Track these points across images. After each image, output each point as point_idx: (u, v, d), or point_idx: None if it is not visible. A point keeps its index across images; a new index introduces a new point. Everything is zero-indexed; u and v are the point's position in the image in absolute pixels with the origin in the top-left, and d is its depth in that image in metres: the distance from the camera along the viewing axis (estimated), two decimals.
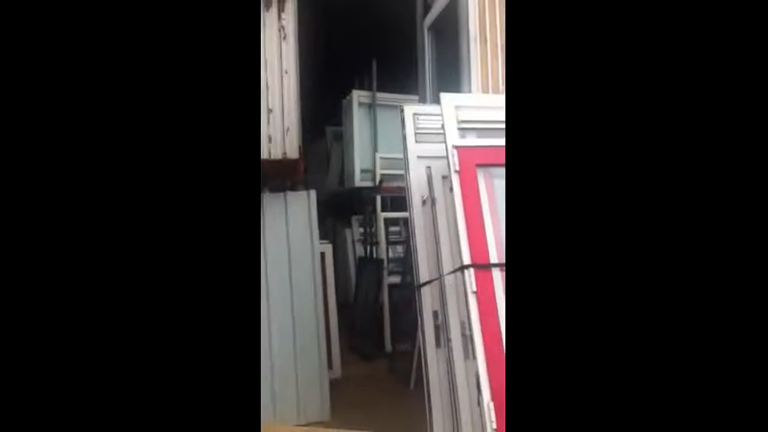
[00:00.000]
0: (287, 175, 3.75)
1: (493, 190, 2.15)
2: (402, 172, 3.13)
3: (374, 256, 5.22)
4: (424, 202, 2.77)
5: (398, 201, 5.06)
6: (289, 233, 3.39)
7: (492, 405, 1.81)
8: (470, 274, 2.00)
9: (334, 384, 3.46)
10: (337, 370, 3.93)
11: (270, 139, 3.23)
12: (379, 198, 5.27)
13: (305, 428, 2.21)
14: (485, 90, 3.43)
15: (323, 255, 3.87)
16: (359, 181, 5.57)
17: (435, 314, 2.60)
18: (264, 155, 3.20)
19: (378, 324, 4.81)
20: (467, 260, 2.03)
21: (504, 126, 1.38)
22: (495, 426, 1.78)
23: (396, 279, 4.89)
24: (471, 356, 2.12)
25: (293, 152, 3.30)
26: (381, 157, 5.42)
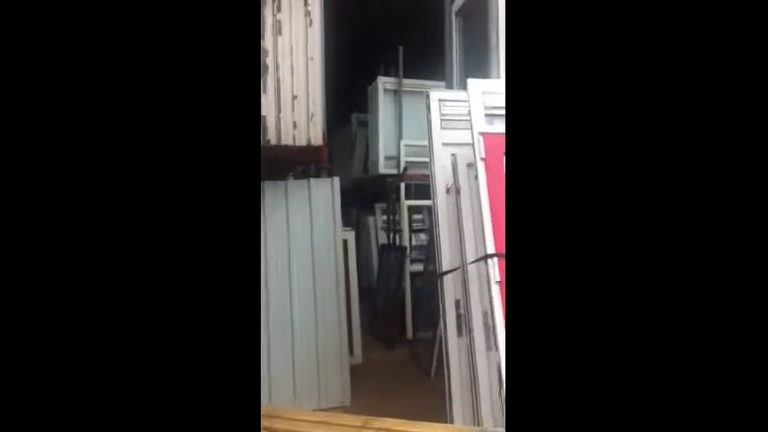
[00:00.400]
0: (311, 162, 3.76)
1: None
2: (427, 159, 3.10)
3: (397, 243, 5.21)
4: (448, 190, 2.74)
5: (422, 188, 5.02)
6: (312, 220, 3.40)
7: None
8: (494, 264, 1.97)
9: (354, 370, 3.48)
10: (358, 356, 3.95)
11: (294, 126, 3.23)
12: (402, 185, 5.24)
13: (325, 413, 2.22)
14: None
15: (345, 242, 3.87)
16: (383, 168, 5.55)
17: (457, 303, 2.58)
18: (289, 141, 3.20)
19: (399, 311, 4.81)
20: (491, 249, 2.01)
21: None
22: None
23: (418, 267, 4.88)
24: (493, 347, 2.10)
25: (317, 139, 3.29)
26: (406, 144, 5.39)
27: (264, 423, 1.94)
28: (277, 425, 1.93)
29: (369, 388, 3.45)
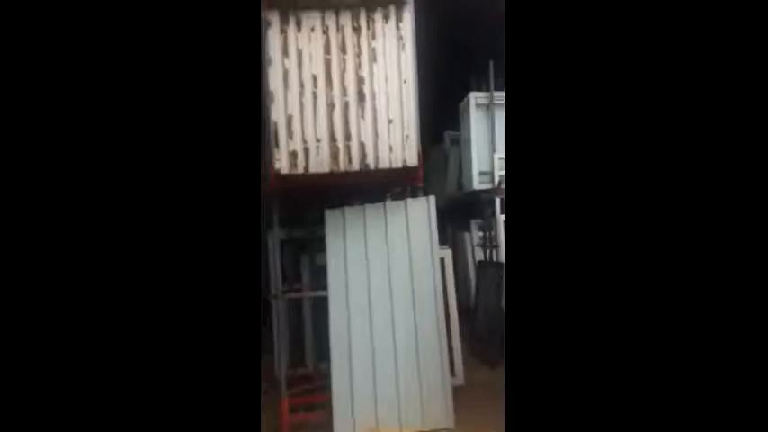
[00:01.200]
0: (407, 183, 3.81)
1: None
2: None
3: (494, 259, 5.12)
4: None
5: None
6: (410, 240, 3.45)
7: None
8: None
9: (457, 391, 3.46)
10: (460, 376, 3.91)
11: (391, 149, 3.30)
12: (498, 200, 5.16)
13: None
14: None
15: (443, 260, 3.87)
16: (477, 184, 5.50)
17: None
18: (386, 164, 3.29)
19: (500, 330, 4.71)
20: None
21: None
22: None
23: None
24: None
25: (412, 159, 3.35)
26: (500, 158, 5.30)
27: None
28: None
29: (472, 410, 3.40)
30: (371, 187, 3.91)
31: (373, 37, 3.30)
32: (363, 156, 3.22)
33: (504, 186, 5.09)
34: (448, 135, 6.71)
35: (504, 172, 5.17)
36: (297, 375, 4.04)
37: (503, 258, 4.99)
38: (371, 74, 3.28)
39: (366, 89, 3.27)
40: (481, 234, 5.86)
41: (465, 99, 5.75)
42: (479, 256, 5.94)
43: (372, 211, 3.48)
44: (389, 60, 3.33)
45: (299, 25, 3.15)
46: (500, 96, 5.51)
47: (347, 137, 3.21)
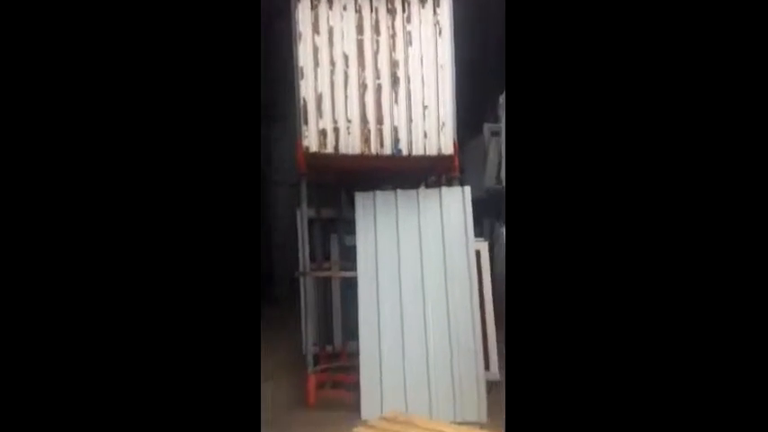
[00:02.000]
0: (442, 171, 3.73)
1: None
2: None
3: None
4: None
5: None
6: (444, 229, 3.35)
7: None
8: None
9: (492, 386, 3.33)
10: (495, 371, 3.78)
11: (425, 135, 3.23)
12: None
13: (461, 427, 2.13)
14: None
15: (478, 252, 3.75)
16: None
17: None
18: (420, 151, 3.22)
19: None
20: None
21: None
22: None
23: None
24: None
25: (448, 148, 3.27)
26: None
27: (397, 428, 1.91)
28: None
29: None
30: (405, 174, 3.84)
31: (408, 20, 3.24)
32: (396, 140, 3.16)
33: None
34: (488, 127, 6.57)
35: None
36: (324, 353, 4.03)
37: None
38: (406, 57, 3.22)
39: (400, 73, 3.20)
40: None
41: (504, 92, 5.61)
42: None
43: (405, 196, 3.41)
44: (426, 45, 3.25)
45: (330, 2, 3.12)
46: None
47: (379, 120, 3.15)
